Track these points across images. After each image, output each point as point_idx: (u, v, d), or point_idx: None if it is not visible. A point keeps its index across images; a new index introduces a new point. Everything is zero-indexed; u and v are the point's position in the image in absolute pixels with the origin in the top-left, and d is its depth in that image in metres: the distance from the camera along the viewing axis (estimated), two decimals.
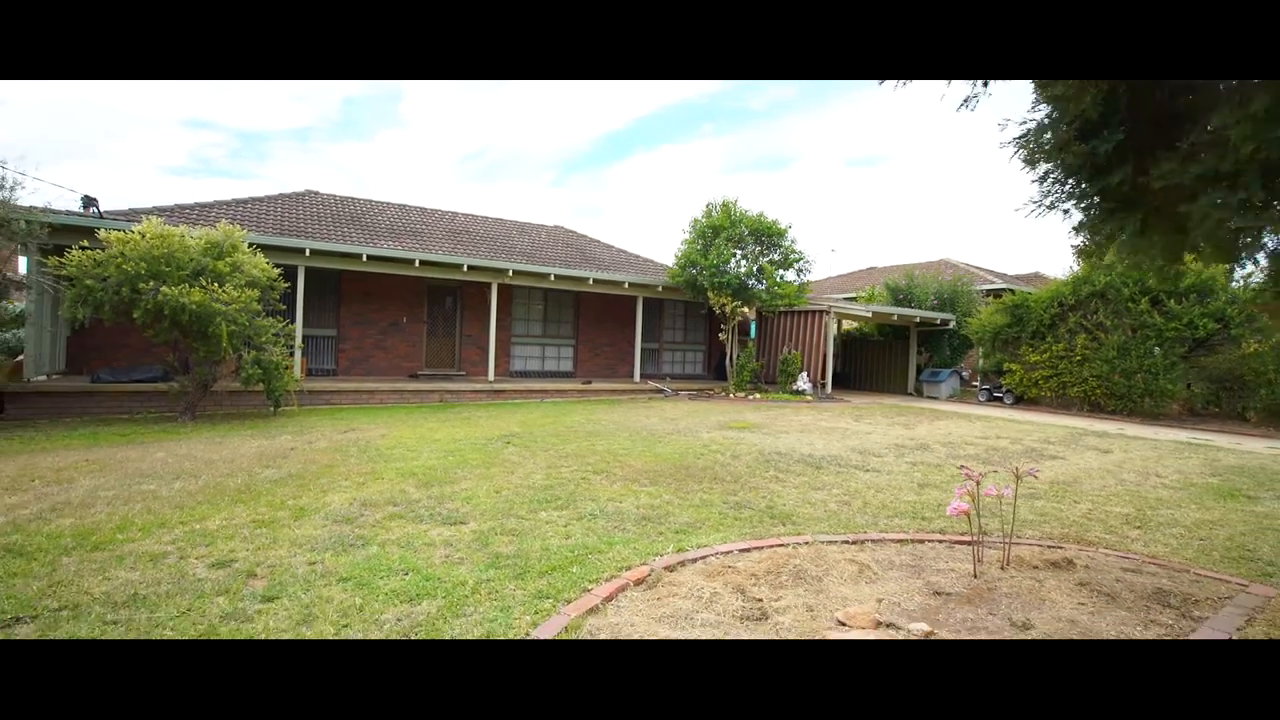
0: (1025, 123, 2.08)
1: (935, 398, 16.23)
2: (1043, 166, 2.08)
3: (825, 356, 15.62)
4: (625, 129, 79.41)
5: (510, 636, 2.73)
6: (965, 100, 1.99)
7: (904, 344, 17.81)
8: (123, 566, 3.34)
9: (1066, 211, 2.17)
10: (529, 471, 5.96)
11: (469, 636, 2.72)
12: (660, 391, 14.94)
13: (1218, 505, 5.55)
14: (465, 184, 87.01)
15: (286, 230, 12.06)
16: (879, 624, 2.98)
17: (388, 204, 16.84)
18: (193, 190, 75.90)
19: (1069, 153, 1.92)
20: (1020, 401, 14.73)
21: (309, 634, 2.70)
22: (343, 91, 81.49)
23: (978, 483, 4.00)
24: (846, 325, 20.10)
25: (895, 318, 16.42)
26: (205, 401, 9.15)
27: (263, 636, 2.66)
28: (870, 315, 16.31)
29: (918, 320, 16.79)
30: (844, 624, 3.01)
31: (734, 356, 15.71)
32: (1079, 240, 2.33)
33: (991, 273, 22.80)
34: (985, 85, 1.90)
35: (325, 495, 4.86)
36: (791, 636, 2.86)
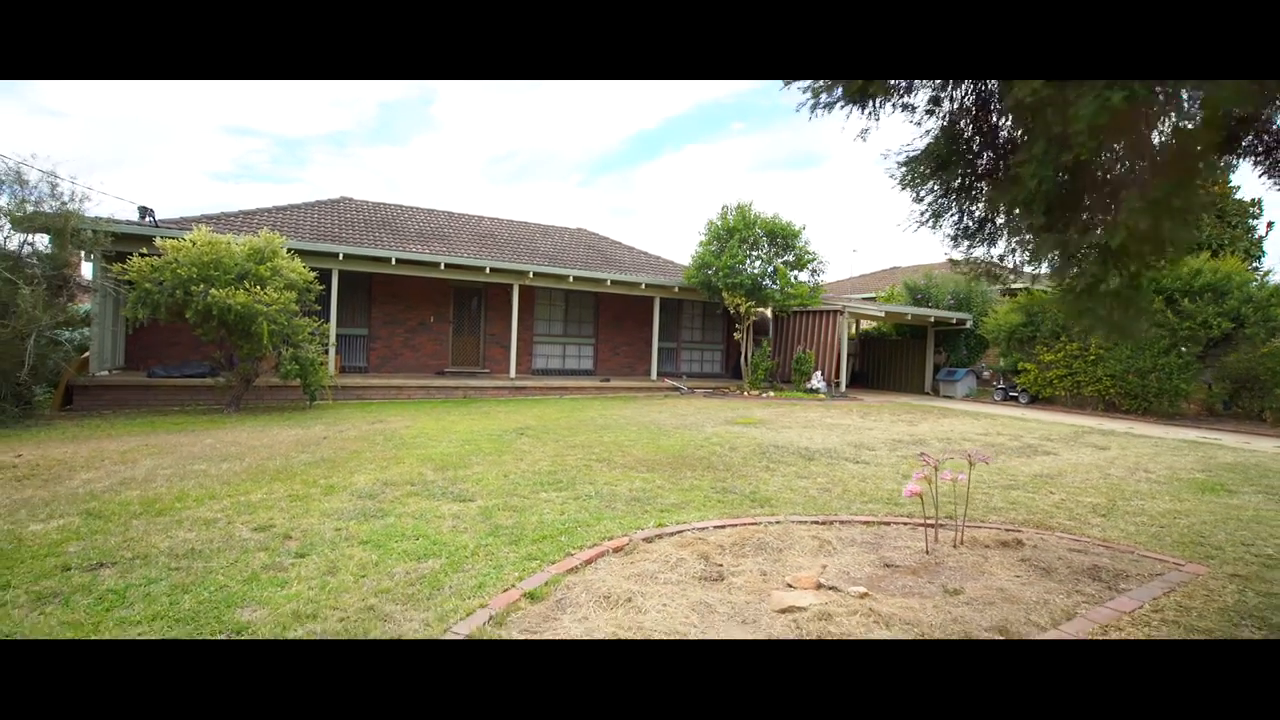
0: (900, 153, 2.49)
1: (951, 397, 16.30)
2: (914, 191, 2.47)
3: (839, 356, 15.84)
4: (656, 129, 79.90)
5: (500, 589, 3.22)
6: (861, 132, 2.40)
7: (921, 344, 17.89)
8: (181, 528, 3.95)
9: (934, 228, 2.57)
10: (537, 459, 6.48)
11: (465, 588, 3.22)
12: (676, 389, 15.36)
13: (1193, 498, 5.76)
14: (495, 186, 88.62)
15: (322, 236, 12.84)
16: (820, 586, 3.39)
17: (417, 209, 17.64)
18: (236, 194, 79.06)
19: (933, 181, 2.31)
20: (1036, 401, 14.73)
21: (333, 583, 3.23)
22: (378, 96, 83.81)
23: (935, 468, 4.38)
24: (865, 325, 20.21)
25: (909, 317, 16.54)
26: (248, 395, 9.94)
27: (295, 584, 3.21)
28: (884, 315, 16.46)
29: (933, 320, 16.87)
30: (791, 586, 3.42)
31: (748, 355, 16.05)
32: (951, 252, 2.71)
33: (1015, 272, 22.56)
34: (876, 120, 2.32)
35: (352, 476, 5.45)
36: (745, 598, 3.29)
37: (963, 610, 3.16)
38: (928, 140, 2.32)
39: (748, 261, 14.94)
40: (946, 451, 7.73)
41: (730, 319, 17.69)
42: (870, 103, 2.27)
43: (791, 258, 15.25)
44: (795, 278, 15.21)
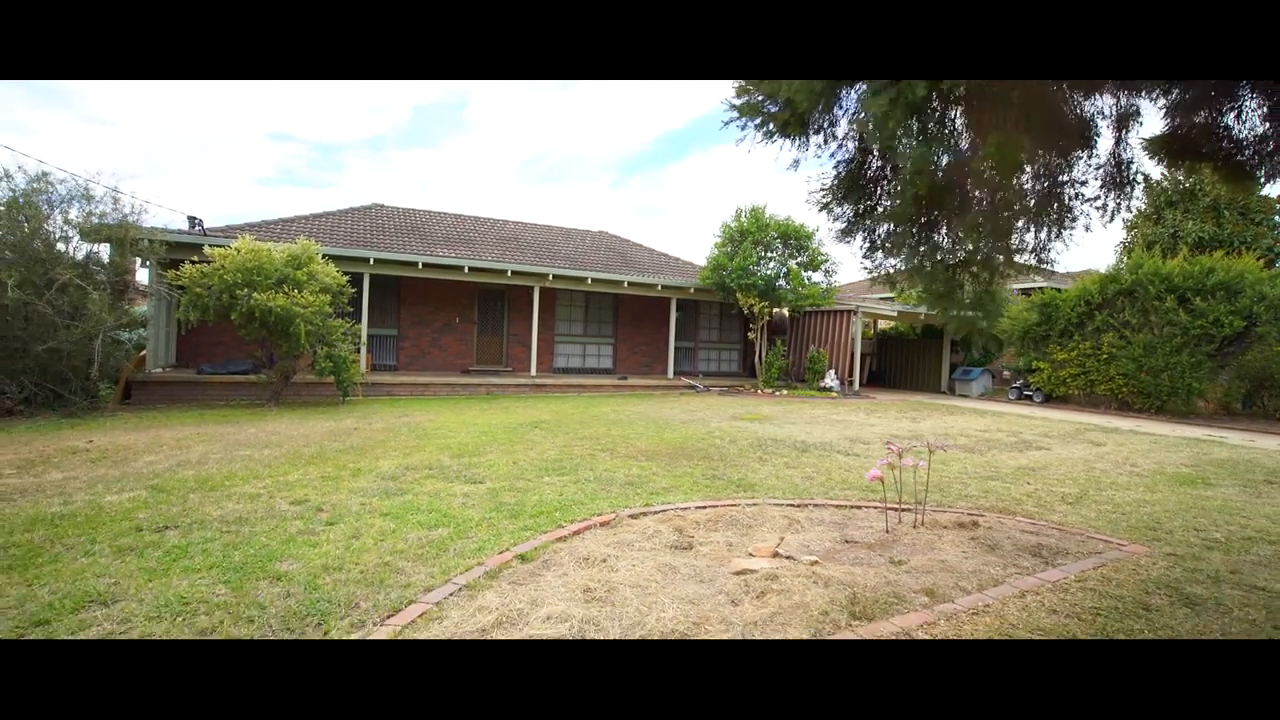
0: (818, 182, 2.92)
1: (966, 395, 16.39)
2: (829, 213, 2.91)
3: (852, 354, 16.08)
4: (684, 128, 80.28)
5: (496, 552, 3.74)
6: (794, 162, 2.85)
7: (938, 343, 17.98)
8: (230, 501, 4.58)
9: (848, 242, 3.00)
10: (545, 449, 7.02)
11: (467, 550, 3.75)
12: (692, 387, 15.80)
13: (1168, 490, 5.99)
14: (529, 187, 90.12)
15: (354, 242, 13.65)
16: (777, 555, 3.83)
17: (444, 214, 18.43)
18: (276, 198, 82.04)
19: (845, 204, 2.73)
20: (1050, 399, 14.76)
21: (357, 544, 3.80)
22: (413, 100, 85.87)
23: (899, 455, 4.77)
24: (883, 324, 20.34)
25: (922, 316, 16.66)
26: (286, 391, 10.74)
27: (325, 544, 3.78)
28: (896, 315, 16.63)
29: None
30: (752, 555, 3.88)
31: (762, 355, 16.40)
32: (863, 262, 3.13)
33: (1038, 271, 22.37)
34: (805, 150, 2.76)
35: (378, 461, 6.07)
36: (707, 563, 3.75)
37: (900, 577, 3.57)
38: (838, 171, 2.75)
39: (761, 263, 15.30)
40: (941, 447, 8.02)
41: (746, 319, 18.05)
42: (796, 138, 2.71)
43: (805, 259, 15.57)
44: (809, 278, 15.52)
